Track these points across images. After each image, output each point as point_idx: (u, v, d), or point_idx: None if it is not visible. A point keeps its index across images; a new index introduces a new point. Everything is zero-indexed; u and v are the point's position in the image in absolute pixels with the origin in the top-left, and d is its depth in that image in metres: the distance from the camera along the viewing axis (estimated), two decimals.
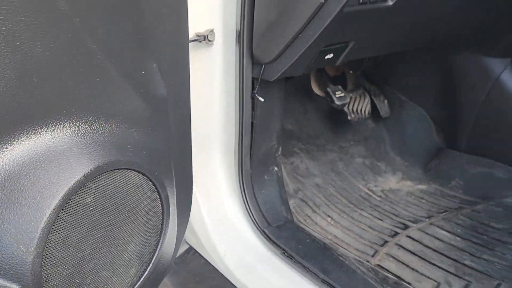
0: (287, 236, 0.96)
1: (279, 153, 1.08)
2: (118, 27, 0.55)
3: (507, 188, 1.30)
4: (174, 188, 0.69)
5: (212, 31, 0.87)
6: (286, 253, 0.91)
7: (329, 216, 1.24)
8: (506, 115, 1.31)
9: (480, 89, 1.34)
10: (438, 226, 1.20)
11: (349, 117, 1.42)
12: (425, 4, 0.91)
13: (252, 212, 0.97)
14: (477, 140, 1.39)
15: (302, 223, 1.13)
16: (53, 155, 0.50)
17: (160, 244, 0.66)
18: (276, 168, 1.06)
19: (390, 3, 0.86)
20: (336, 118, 1.56)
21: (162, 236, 0.66)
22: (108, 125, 0.56)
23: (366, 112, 1.46)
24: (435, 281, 0.98)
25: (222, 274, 0.95)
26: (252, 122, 0.95)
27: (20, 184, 0.48)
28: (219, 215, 0.97)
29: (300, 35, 0.81)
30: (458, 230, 1.17)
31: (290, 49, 0.83)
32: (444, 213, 1.26)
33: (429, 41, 1.17)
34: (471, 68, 1.33)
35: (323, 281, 0.83)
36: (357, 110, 1.43)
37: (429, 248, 1.10)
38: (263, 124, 0.98)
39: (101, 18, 0.53)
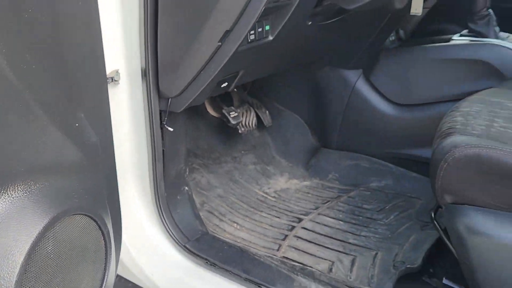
0: (206, 247, 1.07)
1: (187, 173, 1.19)
2: (49, 78, 0.61)
3: (371, 175, 1.60)
4: (111, 223, 0.75)
5: (117, 71, 0.95)
6: (209, 262, 1.02)
7: (234, 222, 1.38)
8: (364, 115, 1.61)
9: (343, 96, 1.62)
10: (324, 215, 1.42)
11: (240, 131, 1.58)
12: (297, 38, 1.11)
13: (172, 231, 1.06)
14: (344, 138, 1.67)
15: (214, 232, 1.25)
16: (12, 214, 0.54)
17: (105, 278, 0.73)
18: (186, 188, 1.17)
19: (270, 38, 1.03)
20: (226, 132, 1.72)
21: (106, 270, 0.73)
22: (53, 178, 0.61)
23: (253, 124, 1.64)
24: (329, 260, 1.19)
25: None
26: (163, 150, 1.04)
27: None
28: (141, 239, 1.04)
29: (202, 71, 0.93)
30: (340, 215, 1.42)
31: (193, 84, 0.95)
32: (327, 203, 1.50)
33: (300, 63, 1.39)
34: (333, 79, 1.60)
35: (246, 279, 0.97)
36: (245, 123, 1.60)
37: (321, 234, 1.32)
38: (172, 150, 1.08)
39: (38, 76, 0.59)
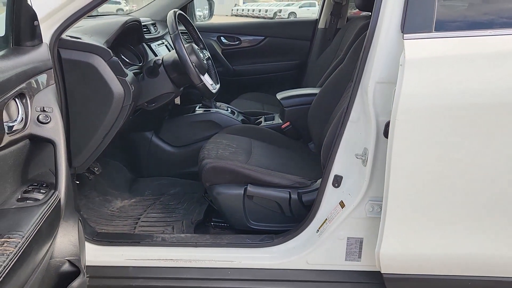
0: (103, 236, 2.15)
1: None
2: None
3: (170, 187, 2.85)
4: None
5: None
6: (108, 241, 2.10)
7: (102, 229, 2.43)
8: (159, 154, 2.88)
9: (145, 146, 2.86)
10: (151, 212, 2.60)
11: (89, 178, 2.61)
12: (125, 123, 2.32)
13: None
14: (151, 169, 2.90)
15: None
16: None
17: None
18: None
19: None
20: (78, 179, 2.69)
21: None
22: None
23: (95, 171, 2.69)
24: (161, 230, 2.40)
25: None
26: None
27: None
28: None
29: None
30: (159, 210, 2.61)
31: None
32: (150, 207, 2.69)
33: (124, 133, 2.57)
34: (139, 139, 2.82)
35: (132, 243, 2.10)
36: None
37: (153, 221, 2.51)
38: None
39: None
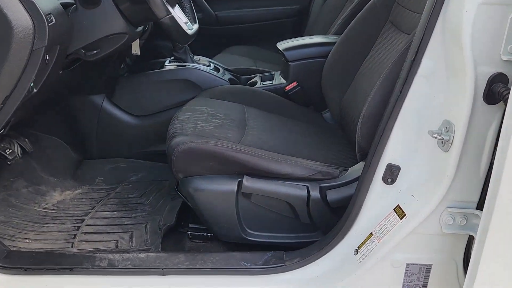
0: (17, 259, 1.36)
1: None
2: None
3: (129, 172, 2.08)
4: None
5: None
6: (23, 268, 1.32)
7: (26, 238, 1.64)
8: (114, 128, 2.07)
9: (93, 116, 2.03)
10: (101, 211, 1.83)
11: (9, 163, 1.79)
12: (53, 85, 1.48)
13: None
14: (102, 148, 2.09)
15: (14, 247, 1.51)
16: None
17: None
18: None
19: (35, 91, 1.37)
20: None
21: None
22: None
23: (19, 153, 1.87)
24: (114, 240, 1.63)
25: None
26: None
27: None
28: None
29: None
30: (113, 208, 1.85)
31: None
32: (100, 202, 1.90)
33: (57, 98, 1.73)
34: (83, 104, 1.99)
35: (59, 269, 1.32)
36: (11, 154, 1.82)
37: (102, 225, 1.73)
38: None
39: None
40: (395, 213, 1.20)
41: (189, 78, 2.02)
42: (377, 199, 1.22)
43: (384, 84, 1.30)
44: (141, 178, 2.07)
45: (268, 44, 2.86)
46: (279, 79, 2.10)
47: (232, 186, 1.40)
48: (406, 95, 1.13)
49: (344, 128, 1.74)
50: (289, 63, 2.02)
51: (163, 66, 2.10)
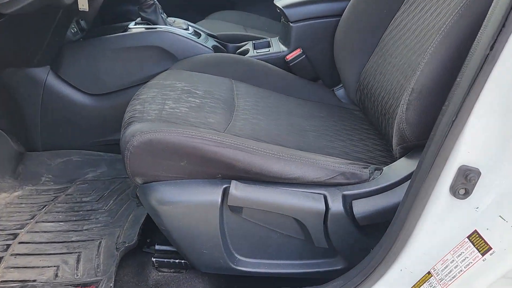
0: None
1: None
2: None
3: (85, 167, 1.62)
4: None
5: None
6: None
7: None
8: (62, 111, 1.59)
9: (35, 95, 1.55)
10: (43, 221, 1.38)
11: None
12: None
13: None
14: (49, 137, 1.62)
15: None
16: None
17: None
18: None
19: None
20: None
21: None
22: None
23: None
24: (54, 266, 1.18)
25: None
26: None
27: None
28: None
29: None
30: (60, 217, 1.40)
31: None
32: (44, 208, 1.45)
33: None
34: (20, 80, 1.51)
35: None
36: None
37: (42, 243, 1.28)
38: None
39: None
40: (471, 244, 0.76)
41: (160, 45, 1.53)
42: (441, 219, 0.78)
43: (447, 42, 0.84)
44: (100, 174, 1.62)
45: (260, 8, 2.39)
46: (277, 46, 1.62)
47: (214, 196, 0.95)
48: (498, 58, 0.68)
49: (368, 109, 1.28)
50: (291, 24, 1.55)
51: (126, 29, 1.61)
